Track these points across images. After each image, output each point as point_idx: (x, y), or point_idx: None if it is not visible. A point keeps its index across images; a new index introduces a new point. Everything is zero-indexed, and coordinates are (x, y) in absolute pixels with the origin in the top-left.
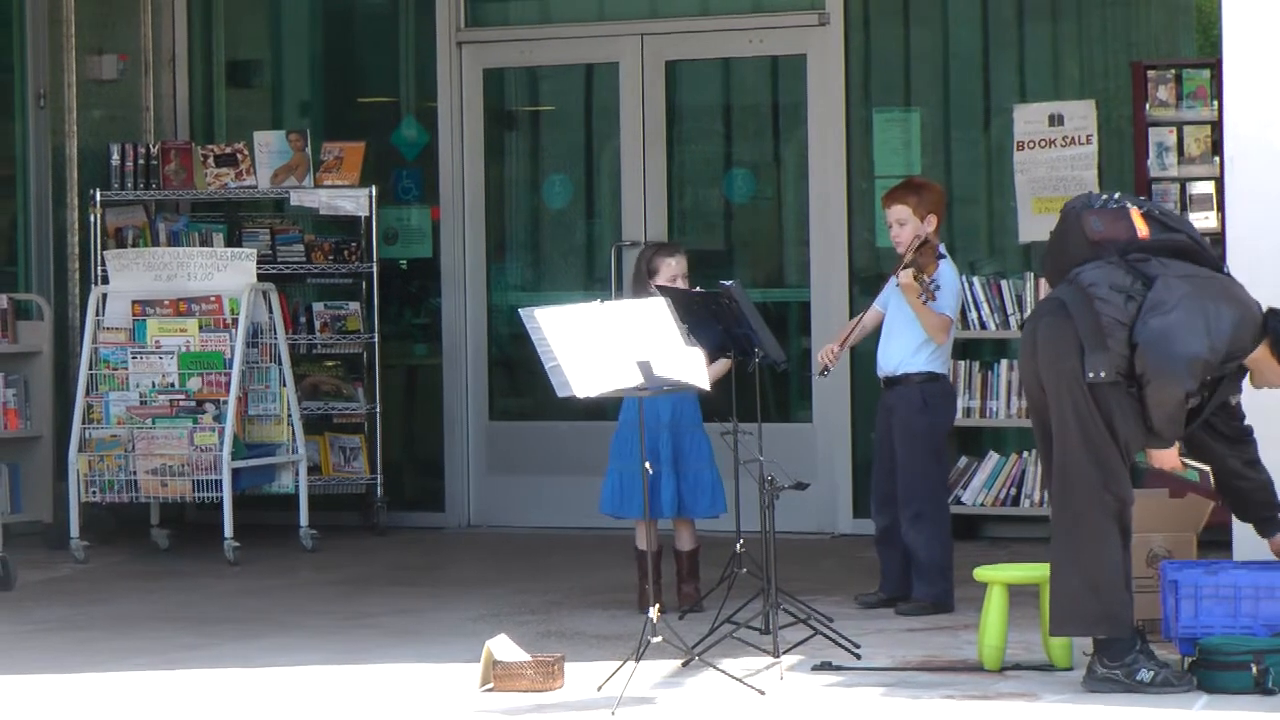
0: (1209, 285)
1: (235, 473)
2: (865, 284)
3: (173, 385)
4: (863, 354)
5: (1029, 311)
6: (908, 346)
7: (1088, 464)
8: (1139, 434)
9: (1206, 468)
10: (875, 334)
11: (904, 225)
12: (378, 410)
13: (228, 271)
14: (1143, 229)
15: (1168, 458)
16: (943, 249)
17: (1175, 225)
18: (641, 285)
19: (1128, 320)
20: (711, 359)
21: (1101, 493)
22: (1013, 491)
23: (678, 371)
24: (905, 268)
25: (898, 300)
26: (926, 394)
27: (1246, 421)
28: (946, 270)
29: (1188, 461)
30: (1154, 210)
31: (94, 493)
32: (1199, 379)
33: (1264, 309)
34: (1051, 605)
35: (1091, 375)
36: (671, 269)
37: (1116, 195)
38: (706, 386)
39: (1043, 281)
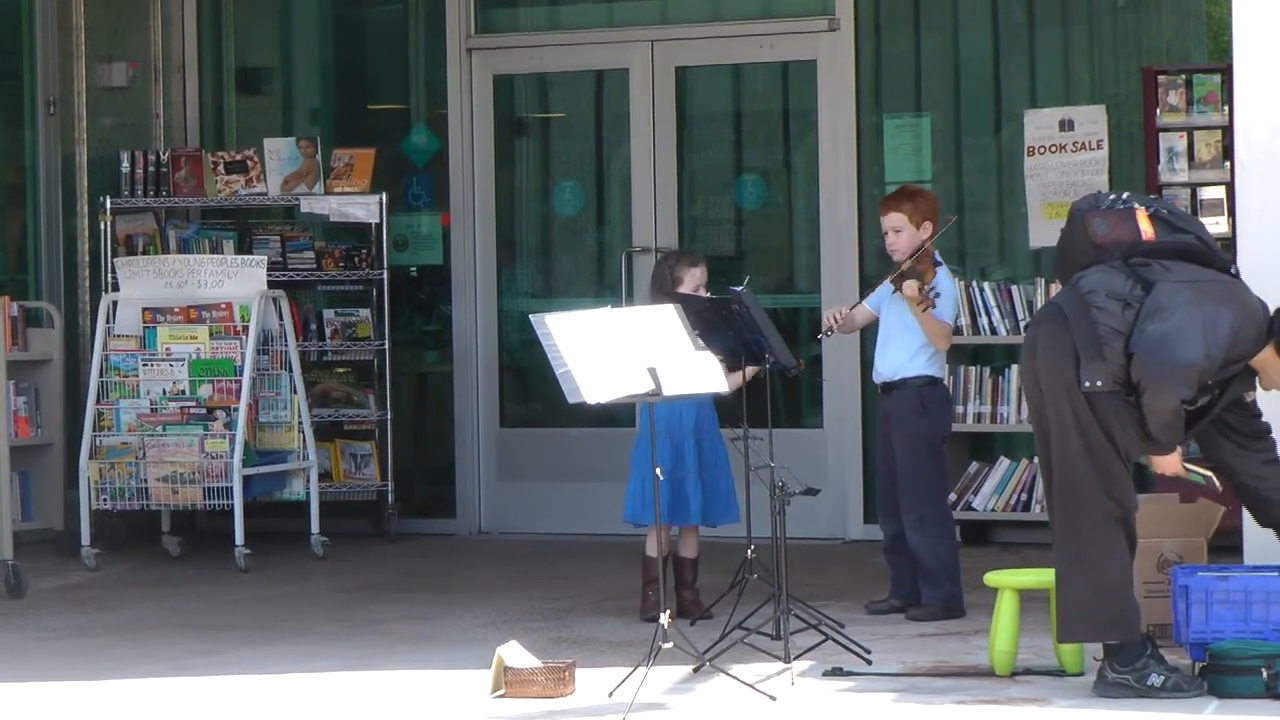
0: (1211, 289)
1: (246, 480)
2: None
3: (183, 392)
4: (872, 360)
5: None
6: (905, 352)
7: (1089, 471)
8: (1138, 441)
9: (1210, 473)
10: (863, 331)
11: (900, 232)
12: (388, 417)
13: (238, 278)
14: (1148, 231)
15: (1169, 463)
16: (939, 256)
17: (1183, 226)
18: (662, 293)
19: (1124, 329)
20: (723, 365)
21: (1104, 499)
22: (1023, 497)
23: (692, 381)
24: (904, 276)
25: (892, 307)
26: (925, 398)
27: (1264, 419)
28: (944, 278)
29: (1189, 466)
30: (1161, 210)
31: (105, 500)
32: (1194, 387)
33: (1270, 310)
34: (1059, 612)
35: (1088, 384)
36: (696, 279)
37: (1125, 195)
38: (725, 389)
39: (1054, 285)
